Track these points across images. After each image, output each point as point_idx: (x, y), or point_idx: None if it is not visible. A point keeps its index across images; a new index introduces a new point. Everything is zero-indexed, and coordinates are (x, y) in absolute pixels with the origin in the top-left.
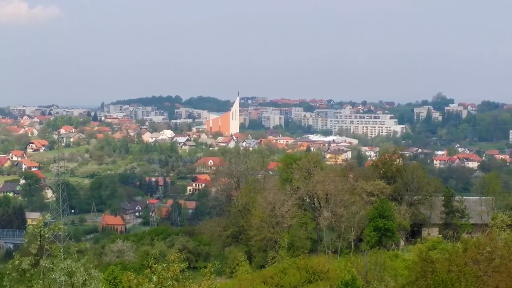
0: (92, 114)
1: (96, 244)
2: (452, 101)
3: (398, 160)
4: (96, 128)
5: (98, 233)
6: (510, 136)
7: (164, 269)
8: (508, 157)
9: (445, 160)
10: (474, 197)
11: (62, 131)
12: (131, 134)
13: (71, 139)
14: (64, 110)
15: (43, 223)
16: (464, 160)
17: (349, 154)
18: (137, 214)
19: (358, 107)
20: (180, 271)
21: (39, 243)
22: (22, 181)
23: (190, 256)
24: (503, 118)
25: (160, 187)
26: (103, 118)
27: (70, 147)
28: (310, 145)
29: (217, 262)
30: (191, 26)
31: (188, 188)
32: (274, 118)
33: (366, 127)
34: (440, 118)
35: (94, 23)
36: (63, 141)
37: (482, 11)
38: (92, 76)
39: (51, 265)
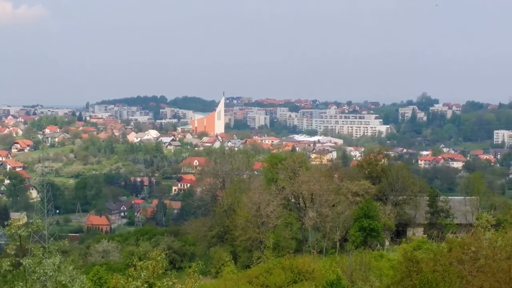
0: (77, 114)
1: (81, 244)
2: (437, 101)
3: (383, 160)
4: (81, 128)
5: (83, 233)
6: (495, 136)
7: (146, 267)
8: (492, 157)
9: (430, 160)
10: (459, 197)
11: (47, 131)
12: (116, 134)
13: (56, 139)
14: (49, 110)
15: (22, 223)
16: (449, 160)
17: (334, 154)
18: (122, 214)
19: (343, 107)
20: (164, 271)
21: (18, 243)
22: (7, 181)
23: (175, 256)
24: (488, 118)
25: (145, 187)
26: (88, 118)
27: (55, 147)
28: (295, 145)
29: (201, 262)
30: (176, 26)
31: (173, 188)
32: (260, 118)
33: (351, 127)
34: (425, 118)
35: (79, 23)
36: (47, 141)
37: (466, 12)
38: (77, 76)
39: (31, 265)
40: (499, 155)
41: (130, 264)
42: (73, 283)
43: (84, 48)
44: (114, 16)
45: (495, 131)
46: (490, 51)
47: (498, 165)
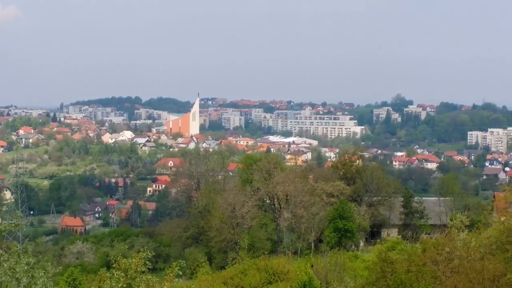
0: (51, 115)
1: (55, 245)
2: (411, 103)
3: (357, 161)
4: (55, 129)
5: (57, 234)
6: (468, 138)
7: (130, 266)
8: (466, 158)
9: (404, 161)
10: (433, 198)
11: (21, 132)
12: (91, 135)
13: (30, 140)
14: (23, 111)
15: None
16: (423, 161)
17: (309, 155)
18: (96, 215)
19: (318, 108)
20: (143, 271)
21: None
22: None
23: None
24: (461, 119)
25: (120, 188)
26: (62, 119)
27: (29, 148)
28: (270, 146)
29: (182, 261)
30: (151, 27)
31: (148, 189)
32: (234, 119)
33: (326, 128)
34: (399, 119)
35: (54, 24)
36: (21, 142)
37: (440, 15)
38: (51, 77)
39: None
40: (472, 156)
41: (111, 263)
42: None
43: (58, 49)
44: (88, 17)
45: (468, 132)
46: (463, 53)
47: (471, 166)
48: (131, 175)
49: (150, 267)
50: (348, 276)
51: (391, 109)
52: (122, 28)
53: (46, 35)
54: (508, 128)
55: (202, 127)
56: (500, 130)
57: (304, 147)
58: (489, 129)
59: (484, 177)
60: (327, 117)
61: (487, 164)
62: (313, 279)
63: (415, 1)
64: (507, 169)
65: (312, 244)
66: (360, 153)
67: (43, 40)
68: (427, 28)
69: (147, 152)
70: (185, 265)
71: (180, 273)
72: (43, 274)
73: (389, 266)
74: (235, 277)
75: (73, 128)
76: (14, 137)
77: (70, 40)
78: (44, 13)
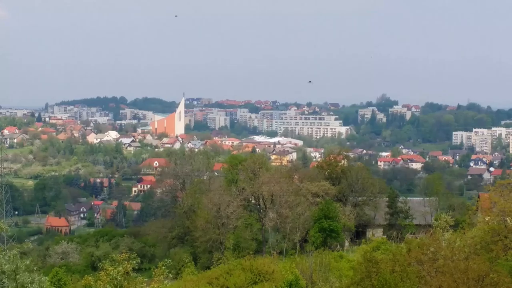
0: (36, 115)
1: (40, 245)
2: (396, 103)
3: (342, 161)
4: (40, 129)
5: (42, 234)
6: (453, 138)
7: (117, 269)
8: (451, 158)
9: (389, 161)
10: (418, 198)
11: (6, 131)
12: (76, 135)
13: (15, 140)
14: (8, 111)
15: None
16: (408, 161)
17: (294, 155)
18: (81, 215)
19: (303, 109)
20: (128, 272)
21: None
22: None
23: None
24: (446, 119)
25: (105, 188)
26: (47, 119)
27: (14, 148)
28: (256, 146)
29: (168, 260)
30: (136, 27)
31: (133, 189)
32: (220, 119)
33: (311, 128)
34: (384, 119)
35: (39, 24)
36: (6, 142)
37: (425, 15)
38: (36, 77)
39: None
40: (457, 156)
41: (98, 267)
42: (33, 284)
43: (43, 49)
44: (74, 17)
45: (453, 133)
46: (448, 53)
47: (456, 166)
48: (116, 175)
49: (136, 267)
50: (333, 276)
51: (376, 109)
52: (108, 28)
53: (32, 35)
54: (493, 128)
55: (187, 127)
56: (485, 130)
57: (290, 147)
58: (474, 129)
59: (469, 177)
60: (312, 117)
61: (471, 164)
62: (299, 278)
63: (401, 2)
64: (491, 169)
65: (297, 244)
66: (345, 153)
67: (28, 40)
68: (412, 28)
69: (132, 152)
70: (170, 263)
71: (170, 275)
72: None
73: (374, 266)
74: (220, 277)
75: (58, 128)
76: None
77: (55, 40)
78: (29, 13)
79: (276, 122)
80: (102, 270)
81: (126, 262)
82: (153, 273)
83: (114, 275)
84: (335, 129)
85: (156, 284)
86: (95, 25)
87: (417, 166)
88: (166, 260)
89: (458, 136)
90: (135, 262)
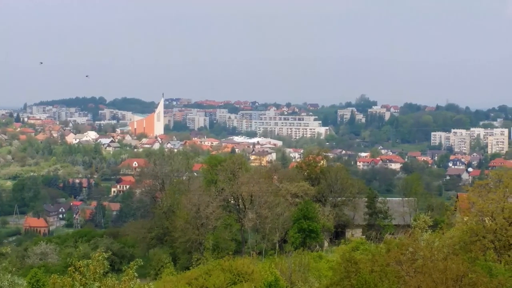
0: (15, 115)
1: (19, 246)
2: (375, 103)
3: (322, 161)
4: (18, 129)
5: (20, 235)
6: (432, 138)
7: (88, 269)
8: (429, 158)
9: (368, 162)
10: (397, 198)
11: None
12: (55, 135)
13: None
14: None
15: None
16: (387, 161)
17: (273, 156)
18: (60, 216)
19: (283, 109)
20: (104, 272)
21: None
22: None
23: (114, 258)
24: (425, 120)
25: (84, 188)
26: (26, 119)
27: None
28: (235, 147)
29: (139, 260)
30: (115, 27)
31: (113, 189)
32: (199, 119)
33: (290, 128)
34: (363, 120)
35: (15, 24)
36: None
37: (403, 17)
38: (14, 77)
39: None
40: (436, 157)
41: (70, 264)
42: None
43: (21, 49)
44: (52, 17)
45: (432, 133)
46: (427, 55)
47: (435, 166)
48: (95, 176)
49: (109, 267)
50: (313, 277)
51: (355, 110)
52: (86, 28)
53: (9, 35)
54: (471, 129)
55: (166, 128)
56: (463, 131)
57: (269, 147)
58: (452, 130)
59: (447, 177)
60: (291, 118)
61: (450, 164)
62: (279, 279)
63: (380, 3)
64: (470, 169)
65: (277, 245)
66: (324, 154)
67: (6, 40)
68: (391, 30)
69: (111, 152)
70: (142, 264)
71: (136, 274)
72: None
73: (353, 266)
74: (199, 277)
75: (36, 128)
76: None
77: (34, 40)
78: (7, 12)
79: (255, 122)
80: (75, 269)
81: (96, 262)
82: (123, 273)
83: (86, 273)
84: (314, 129)
85: (124, 284)
86: (74, 24)
87: (396, 166)
88: (137, 260)
89: (437, 137)
90: (102, 259)
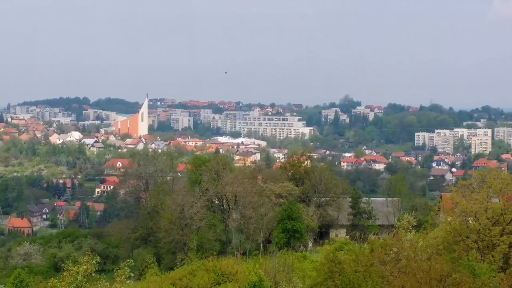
0: None
1: (2, 247)
2: (359, 104)
3: (306, 162)
4: (2, 129)
5: (4, 236)
6: (416, 139)
7: (79, 271)
8: (413, 159)
9: (352, 162)
10: (381, 199)
11: None
12: (38, 135)
13: None
14: None
15: None
16: (371, 162)
17: (257, 156)
18: (44, 216)
19: (267, 109)
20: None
21: None
22: None
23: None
24: (409, 120)
25: (68, 189)
26: (9, 120)
27: None
28: (219, 147)
29: (131, 260)
30: (98, 26)
31: (97, 190)
32: (183, 120)
33: (274, 129)
34: (347, 120)
35: (0, 24)
36: None
37: (388, 18)
38: None
39: None
40: (420, 157)
41: (61, 268)
42: None
43: (4, 49)
44: (35, 16)
45: (416, 133)
46: (410, 55)
47: (419, 166)
48: (79, 176)
49: (97, 268)
50: (297, 277)
51: (339, 110)
52: (70, 28)
53: None
54: (455, 129)
55: (150, 128)
56: (447, 131)
57: (253, 148)
58: (436, 130)
59: (431, 177)
60: (275, 118)
61: (434, 165)
62: (263, 279)
63: (363, 4)
64: (453, 170)
65: (261, 245)
66: (308, 154)
67: None
68: (374, 30)
69: (95, 153)
70: (133, 263)
71: (132, 274)
72: None
73: (337, 266)
74: (183, 278)
75: (20, 128)
76: None
77: (17, 40)
78: None
79: (239, 122)
80: (65, 271)
81: (87, 264)
82: (115, 274)
83: (75, 275)
84: (298, 129)
85: (118, 285)
86: (57, 24)
87: (380, 166)
88: (128, 260)
89: (421, 137)
90: (94, 262)
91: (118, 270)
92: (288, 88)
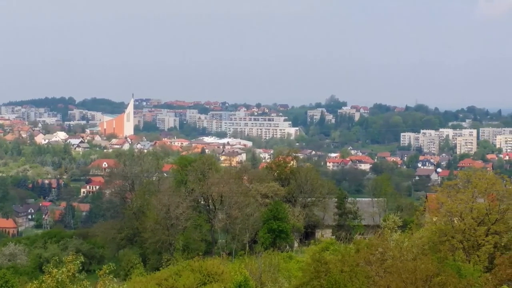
0: None
1: None
2: (345, 104)
3: (292, 162)
4: None
5: None
6: (401, 139)
7: (62, 272)
8: (399, 159)
9: (338, 162)
10: (366, 199)
11: None
12: (24, 136)
13: None
14: None
15: None
16: (357, 162)
17: (243, 156)
18: (29, 217)
19: (253, 109)
20: (75, 273)
21: None
22: None
23: (84, 259)
24: (394, 121)
25: (53, 189)
26: None
27: None
28: (205, 147)
29: (112, 264)
30: (84, 26)
31: (82, 190)
32: (169, 120)
33: (260, 129)
34: (333, 120)
35: None
36: None
37: (374, 18)
38: None
39: None
40: (405, 157)
41: (44, 270)
42: None
43: None
44: (19, 16)
45: (401, 134)
46: (396, 56)
47: (404, 167)
48: (64, 176)
49: (84, 268)
50: (283, 277)
51: (325, 111)
52: (55, 28)
53: None
54: (440, 130)
55: (136, 128)
56: (432, 132)
57: (239, 148)
58: (422, 131)
59: (417, 178)
60: (261, 118)
61: (419, 165)
62: (249, 279)
63: (350, 3)
64: (439, 170)
65: (247, 245)
66: (294, 154)
67: None
68: (360, 31)
69: (80, 153)
70: (114, 268)
71: (115, 279)
72: None
73: (323, 266)
74: (169, 278)
75: (5, 128)
76: None
77: (1, 40)
78: None
79: (225, 123)
80: (47, 273)
81: (70, 264)
82: (98, 275)
83: (58, 277)
84: (284, 130)
85: (101, 286)
86: (43, 24)
87: (365, 167)
88: (109, 264)
89: (406, 137)
90: (79, 262)
91: (100, 271)
92: (274, 88)
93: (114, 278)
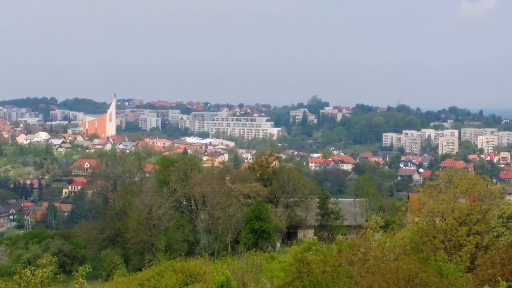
0: None
1: None
2: (327, 104)
3: (274, 162)
4: None
5: None
6: (383, 139)
7: (34, 274)
8: (381, 159)
9: (320, 163)
10: (349, 199)
11: None
12: (5, 136)
13: None
14: None
15: None
16: (339, 162)
17: (225, 157)
18: (11, 217)
19: (235, 110)
20: (54, 275)
21: None
22: None
23: (65, 259)
24: (377, 121)
25: (35, 189)
26: None
27: None
28: (187, 148)
29: (88, 266)
30: (66, 26)
31: (64, 190)
32: (151, 120)
33: (242, 129)
34: (315, 121)
35: None
36: None
37: (354, 17)
38: None
39: None
40: (387, 158)
41: (15, 271)
42: None
43: None
44: (0, 16)
45: (383, 134)
46: (378, 56)
47: (386, 167)
48: (46, 177)
49: (60, 269)
50: (265, 277)
51: (307, 111)
52: (37, 28)
53: None
54: (422, 130)
55: (118, 128)
56: (414, 132)
57: (221, 148)
58: (404, 131)
59: (399, 178)
60: (244, 119)
61: (401, 165)
62: (231, 280)
63: (331, 5)
64: (421, 170)
65: (229, 246)
66: (276, 155)
67: None
68: (342, 32)
69: (62, 153)
70: (90, 270)
71: (85, 283)
72: None
73: (305, 266)
74: (151, 278)
75: None
76: None
77: None
78: None
79: (207, 123)
80: (16, 273)
81: (39, 270)
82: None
83: (29, 279)
84: (266, 130)
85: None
86: (25, 24)
87: (348, 167)
88: (85, 266)
89: (388, 138)
90: (51, 267)
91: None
92: (256, 89)
93: (85, 282)
